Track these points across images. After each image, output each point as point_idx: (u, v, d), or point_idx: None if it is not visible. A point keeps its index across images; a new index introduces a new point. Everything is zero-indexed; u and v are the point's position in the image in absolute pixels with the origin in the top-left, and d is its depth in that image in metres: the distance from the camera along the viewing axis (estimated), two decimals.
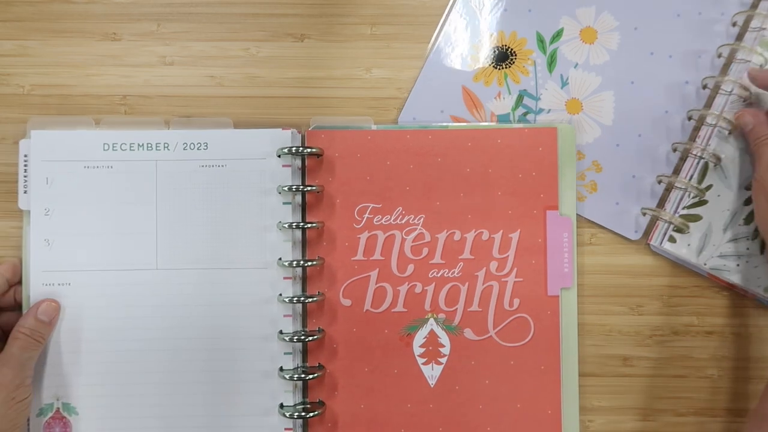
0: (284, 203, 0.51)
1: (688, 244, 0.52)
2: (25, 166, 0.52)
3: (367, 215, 0.52)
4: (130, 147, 0.52)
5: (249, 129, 0.52)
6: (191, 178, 0.52)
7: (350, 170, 0.52)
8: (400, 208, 0.52)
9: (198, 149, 0.52)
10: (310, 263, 0.51)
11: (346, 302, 0.52)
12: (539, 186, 0.52)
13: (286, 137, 0.52)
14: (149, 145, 0.52)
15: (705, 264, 0.52)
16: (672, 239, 0.51)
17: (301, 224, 0.51)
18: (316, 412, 0.50)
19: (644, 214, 0.53)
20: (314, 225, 0.51)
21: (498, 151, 0.52)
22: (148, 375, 0.51)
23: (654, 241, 0.52)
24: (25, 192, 0.52)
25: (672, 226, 0.51)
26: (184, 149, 0.52)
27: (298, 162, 0.52)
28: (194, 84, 0.54)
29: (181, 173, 0.52)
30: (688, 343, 0.54)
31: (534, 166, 0.52)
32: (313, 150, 0.51)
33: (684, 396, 0.54)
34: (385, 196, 0.52)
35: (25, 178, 0.52)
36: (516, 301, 0.52)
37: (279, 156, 0.51)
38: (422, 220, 0.52)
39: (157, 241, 0.51)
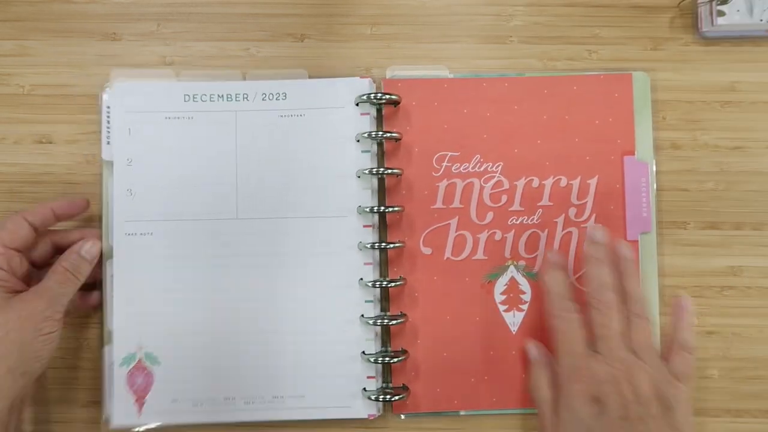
0: (363, 152, 0.51)
1: (738, 10, 0.52)
2: (108, 117, 0.52)
3: (445, 163, 0.52)
4: (210, 98, 0.52)
5: (327, 78, 0.53)
6: (270, 128, 0.52)
7: (427, 119, 0.52)
8: (478, 155, 0.52)
9: (276, 99, 0.52)
10: (390, 210, 0.51)
11: (427, 251, 0.52)
12: (616, 132, 0.52)
13: (363, 85, 0.52)
14: (229, 96, 0.52)
15: (762, 19, 0.52)
16: (721, 13, 0.52)
17: (382, 170, 0.51)
18: (399, 358, 0.50)
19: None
20: (395, 171, 0.51)
21: (574, 98, 0.52)
22: (229, 324, 0.51)
23: (706, 26, 0.53)
24: (108, 143, 0.52)
25: (716, 2, 0.52)
26: (263, 100, 0.52)
27: (374, 111, 0.52)
28: None
29: (261, 123, 0.52)
30: None
31: (610, 112, 0.52)
32: (392, 97, 0.51)
33: None
34: (463, 143, 0.52)
35: (108, 130, 0.52)
36: None
37: (357, 104, 0.52)
38: (500, 167, 0.52)
39: (237, 191, 0.51)
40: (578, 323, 0.46)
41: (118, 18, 0.54)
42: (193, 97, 0.52)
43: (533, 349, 0.49)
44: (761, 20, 0.52)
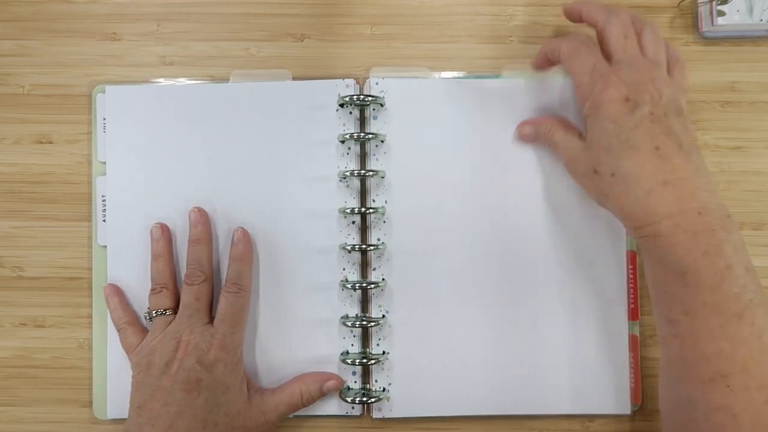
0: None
1: (738, 10, 0.52)
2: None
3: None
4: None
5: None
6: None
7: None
8: None
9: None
10: (371, 210, 0.51)
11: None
12: None
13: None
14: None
15: (762, 19, 0.51)
16: (721, 13, 0.52)
17: (364, 172, 0.51)
18: (376, 360, 0.50)
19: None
20: (378, 172, 0.51)
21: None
22: None
23: (706, 26, 0.53)
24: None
25: (716, 2, 0.52)
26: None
27: (357, 113, 0.52)
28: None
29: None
30: None
31: None
32: (377, 98, 0.51)
33: None
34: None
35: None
36: None
37: (342, 105, 0.52)
38: None
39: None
40: (594, 45, 0.47)
41: (118, 18, 0.54)
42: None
43: None
44: (761, 20, 0.52)
